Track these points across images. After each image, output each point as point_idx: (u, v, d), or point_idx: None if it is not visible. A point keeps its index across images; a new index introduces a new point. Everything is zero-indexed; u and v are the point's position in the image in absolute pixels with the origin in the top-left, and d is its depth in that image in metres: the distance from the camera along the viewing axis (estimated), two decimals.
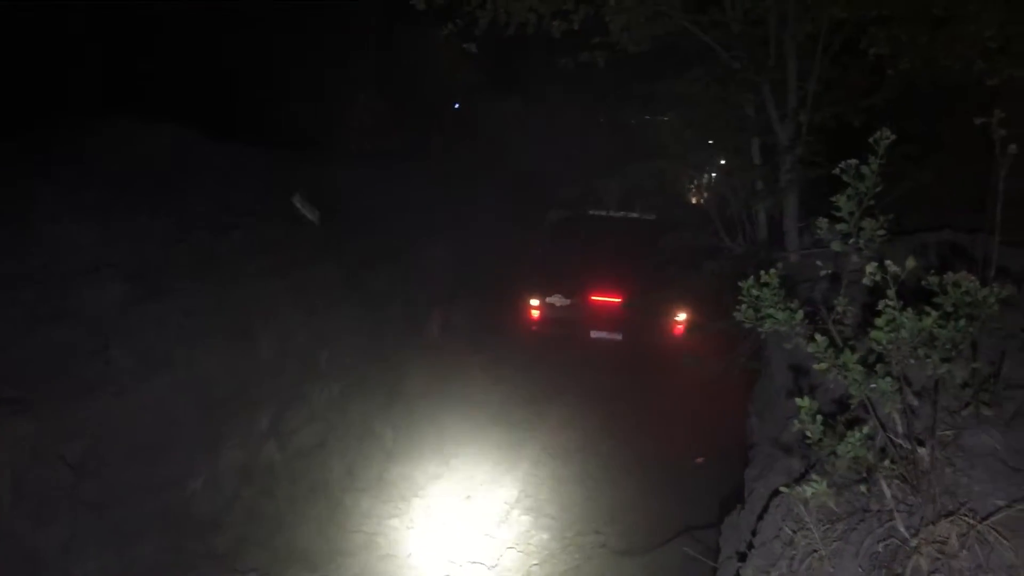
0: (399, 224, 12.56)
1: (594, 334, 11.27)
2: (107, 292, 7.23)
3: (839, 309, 3.18)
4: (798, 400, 2.95)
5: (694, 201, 8.12)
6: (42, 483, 5.83)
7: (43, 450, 5.93)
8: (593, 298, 11.22)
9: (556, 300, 11.33)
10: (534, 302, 11.48)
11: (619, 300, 11.08)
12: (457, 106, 17.21)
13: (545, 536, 8.28)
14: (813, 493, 2.91)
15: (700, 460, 9.95)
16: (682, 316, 10.62)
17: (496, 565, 7.69)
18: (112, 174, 8.85)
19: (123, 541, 6.20)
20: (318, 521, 8.03)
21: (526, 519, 8.61)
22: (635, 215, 11.88)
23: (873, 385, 2.88)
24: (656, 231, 8.50)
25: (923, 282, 2.82)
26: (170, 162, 9.60)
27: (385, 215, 12.33)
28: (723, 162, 7.87)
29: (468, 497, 8.98)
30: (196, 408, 7.25)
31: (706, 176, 8.15)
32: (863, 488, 3.21)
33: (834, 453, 2.94)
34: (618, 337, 11.23)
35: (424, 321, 12.03)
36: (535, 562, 7.79)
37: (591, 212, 12.28)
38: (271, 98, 11.94)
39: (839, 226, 3.01)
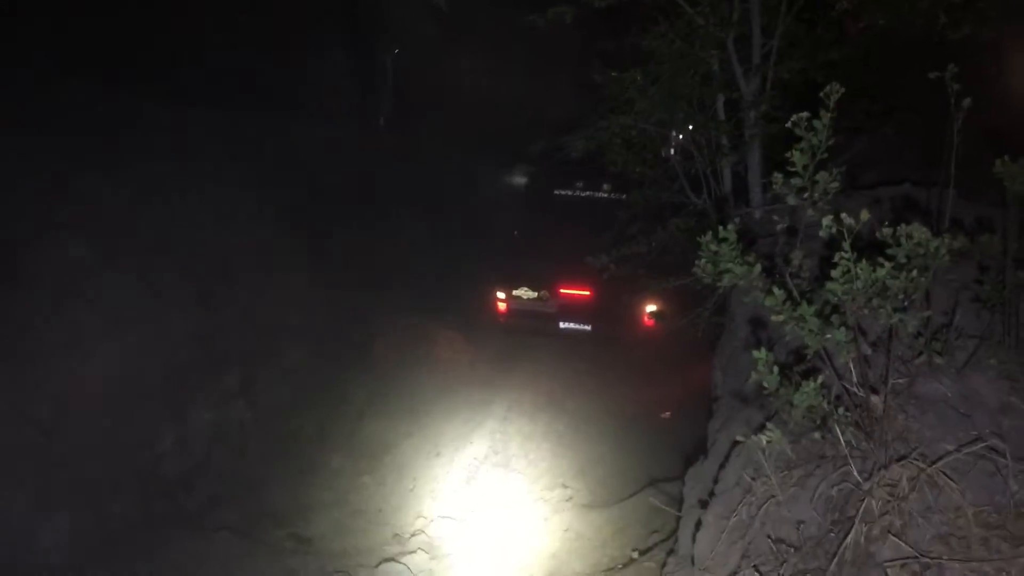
0: (364, 187, 12.49)
1: (563, 325, 11.12)
2: (67, 255, 7.16)
3: (795, 262, 3.23)
4: (755, 352, 3.00)
5: (663, 156, 8.04)
6: (9, 445, 5.82)
7: (9, 412, 5.91)
8: (562, 291, 11.04)
9: (523, 293, 11.14)
10: (500, 295, 11.24)
11: (588, 292, 10.86)
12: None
13: (513, 491, 8.40)
14: (769, 441, 2.99)
15: (667, 415, 10.09)
16: (651, 307, 10.51)
17: (466, 520, 7.80)
18: (67, 137, 8.66)
19: (93, 500, 6.22)
20: (289, 479, 8.09)
21: (495, 474, 8.72)
22: (603, 194, 11.56)
23: (829, 336, 2.94)
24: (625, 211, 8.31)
25: (877, 234, 2.88)
26: (127, 125, 9.42)
27: (349, 179, 12.24)
28: (688, 123, 7.84)
29: (438, 454, 9.07)
30: (163, 369, 7.25)
31: (672, 133, 8.11)
32: (819, 435, 3.29)
33: (791, 403, 3.00)
34: (587, 328, 11.13)
35: (392, 282, 12.02)
36: (504, 516, 7.90)
37: (556, 192, 11.92)
38: (234, 59, 11.69)
39: (794, 180, 3.04)
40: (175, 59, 10.93)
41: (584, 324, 11.07)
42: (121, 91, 9.84)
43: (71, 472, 6.17)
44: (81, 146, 8.59)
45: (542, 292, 11.03)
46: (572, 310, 11.02)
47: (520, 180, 10.56)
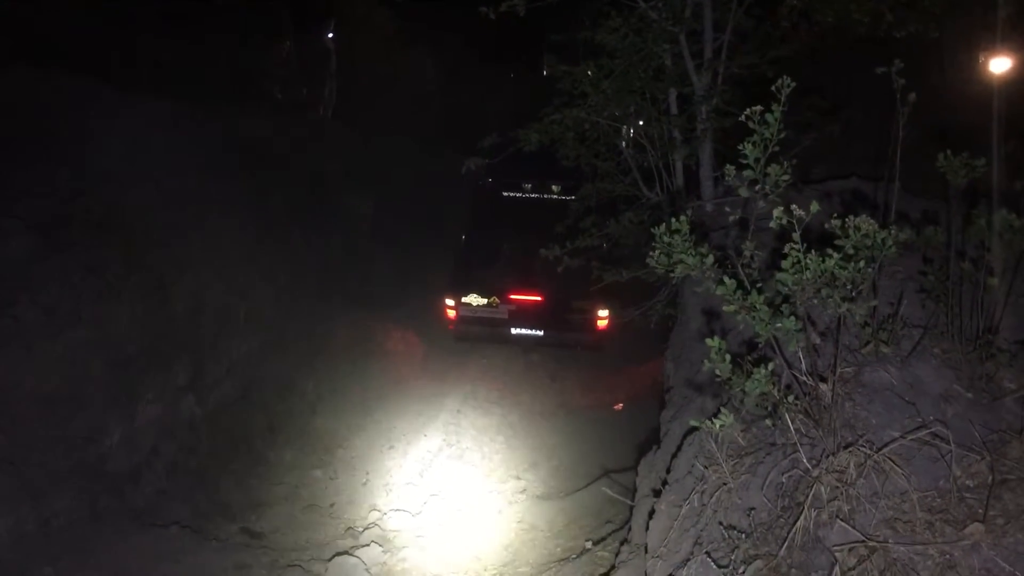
0: (312, 179, 12.34)
1: (515, 331, 10.94)
2: (9, 246, 6.96)
3: (747, 253, 3.28)
4: (708, 340, 3.05)
5: (617, 149, 8.05)
6: None
7: None
8: (513, 296, 10.84)
9: (473, 300, 11.01)
10: (450, 303, 10.93)
11: (540, 298, 10.72)
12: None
13: (467, 483, 8.41)
14: (723, 426, 3.04)
15: (619, 407, 10.20)
16: (604, 312, 10.44)
17: (420, 512, 7.78)
18: (7, 125, 8.41)
19: (38, 497, 6.09)
20: (240, 474, 8.00)
21: (449, 467, 8.72)
22: (554, 195, 11.37)
23: (779, 325, 3.00)
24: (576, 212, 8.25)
25: (826, 226, 2.94)
26: (71, 114, 9.17)
27: (297, 170, 12.06)
28: (640, 117, 7.88)
29: (391, 447, 9.04)
30: (109, 363, 7.10)
31: (624, 127, 8.15)
32: (769, 423, 3.35)
33: (742, 390, 3.06)
34: (539, 333, 11.00)
35: (343, 275, 11.93)
36: (458, 508, 7.91)
37: (505, 194, 11.70)
38: (183, 47, 11.46)
39: (746, 173, 3.10)
40: (118, 48, 10.70)
41: (536, 330, 10.94)
42: (65, 80, 9.60)
43: (14, 468, 6.02)
44: (23, 136, 8.36)
45: (492, 299, 10.88)
46: (524, 316, 10.89)
47: (469, 178, 10.24)
